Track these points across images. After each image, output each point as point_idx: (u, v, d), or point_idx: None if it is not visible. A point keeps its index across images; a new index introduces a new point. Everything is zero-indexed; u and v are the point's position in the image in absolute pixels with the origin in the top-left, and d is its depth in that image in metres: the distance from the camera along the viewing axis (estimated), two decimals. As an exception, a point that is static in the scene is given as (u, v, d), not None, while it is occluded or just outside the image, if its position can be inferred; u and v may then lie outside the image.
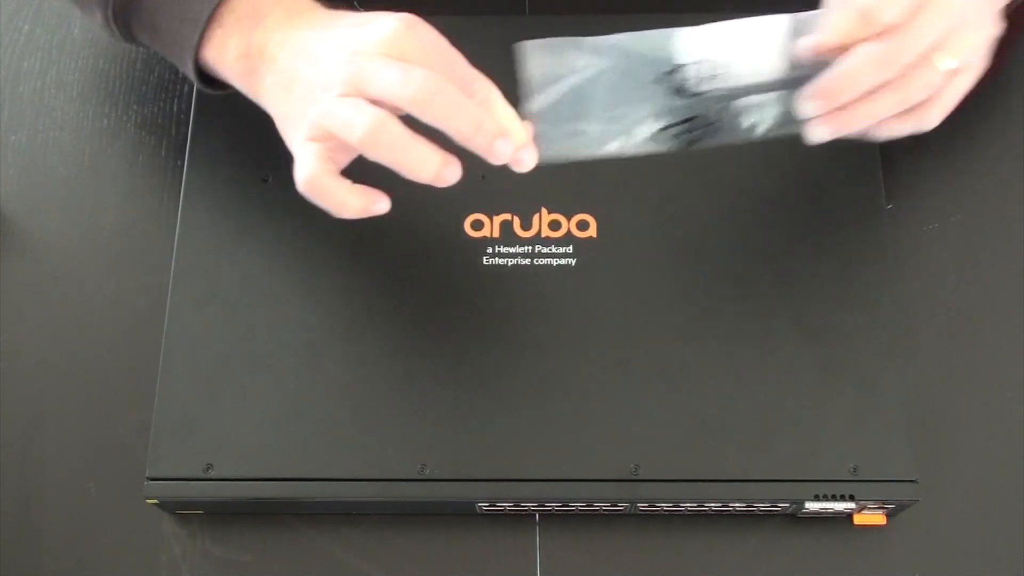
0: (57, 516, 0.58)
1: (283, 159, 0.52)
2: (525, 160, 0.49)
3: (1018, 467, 0.58)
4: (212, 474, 0.54)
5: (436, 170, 0.48)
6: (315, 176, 0.49)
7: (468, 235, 0.59)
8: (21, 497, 0.58)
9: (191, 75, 0.56)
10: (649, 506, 0.55)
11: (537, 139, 0.50)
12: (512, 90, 0.60)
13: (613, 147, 0.51)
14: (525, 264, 0.58)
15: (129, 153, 0.67)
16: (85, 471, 0.58)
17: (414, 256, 0.58)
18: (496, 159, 0.48)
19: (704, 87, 0.49)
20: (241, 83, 0.54)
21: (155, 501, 0.55)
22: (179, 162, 0.63)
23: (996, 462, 0.59)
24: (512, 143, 0.48)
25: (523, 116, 0.50)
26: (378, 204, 0.51)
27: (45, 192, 0.66)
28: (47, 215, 0.66)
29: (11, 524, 0.57)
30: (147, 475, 0.54)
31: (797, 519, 0.57)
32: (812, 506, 0.55)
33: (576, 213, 0.59)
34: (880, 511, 0.56)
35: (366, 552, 0.57)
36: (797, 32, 0.48)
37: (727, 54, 0.49)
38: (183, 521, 0.58)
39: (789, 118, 0.50)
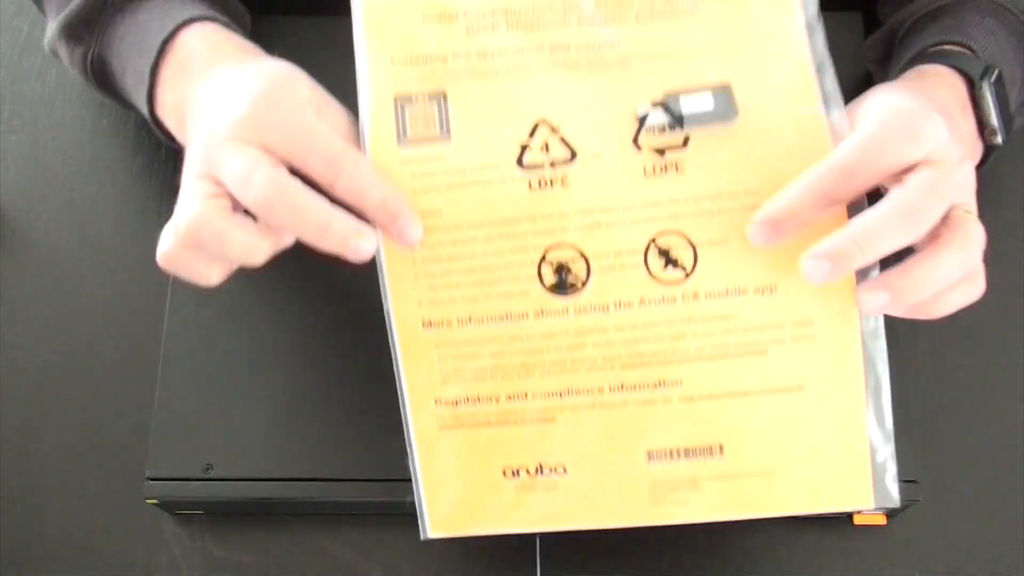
0: (57, 516, 0.58)
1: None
2: (407, 235, 0.44)
3: (1018, 467, 0.58)
4: (212, 474, 0.54)
5: (342, 242, 0.43)
6: (203, 215, 0.43)
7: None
8: (21, 497, 0.58)
9: (159, 134, 0.55)
10: (649, 506, 0.55)
11: None
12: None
13: None
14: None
15: (129, 153, 0.67)
16: (85, 471, 0.58)
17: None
18: (357, 258, 0.43)
19: None
20: (179, 137, 0.53)
21: (155, 501, 0.55)
22: (179, 162, 0.63)
23: (996, 462, 0.59)
24: (372, 237, 0.43)
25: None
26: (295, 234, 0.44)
27: (45, 192, 0.66)
28: (47, 215, 0.66)
29: (11, 524, 0.57)
30: (147, 475, 0.54)
31: (797, 519, 0.57)
32: (812, 506, 0.54)
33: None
34: (880, 511, 0.56)
35: (366, 552, 0.57)
36: None
37: None
38: (183, 521, 0.58)
39: None
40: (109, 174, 0.66)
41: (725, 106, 0.46)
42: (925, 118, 0.44)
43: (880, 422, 0.47)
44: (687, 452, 0.47)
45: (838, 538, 0.57)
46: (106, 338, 0.62)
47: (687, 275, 0.46)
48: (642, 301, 0.46)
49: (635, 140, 0.46)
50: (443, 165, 0.45)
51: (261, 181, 0.42)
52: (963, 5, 0.57)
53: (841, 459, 0.47)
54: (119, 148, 0.67)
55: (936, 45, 0.56)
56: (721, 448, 0.47)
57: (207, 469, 0.54)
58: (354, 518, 0.57)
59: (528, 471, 0.48)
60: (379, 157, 0.46)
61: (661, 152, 0.46)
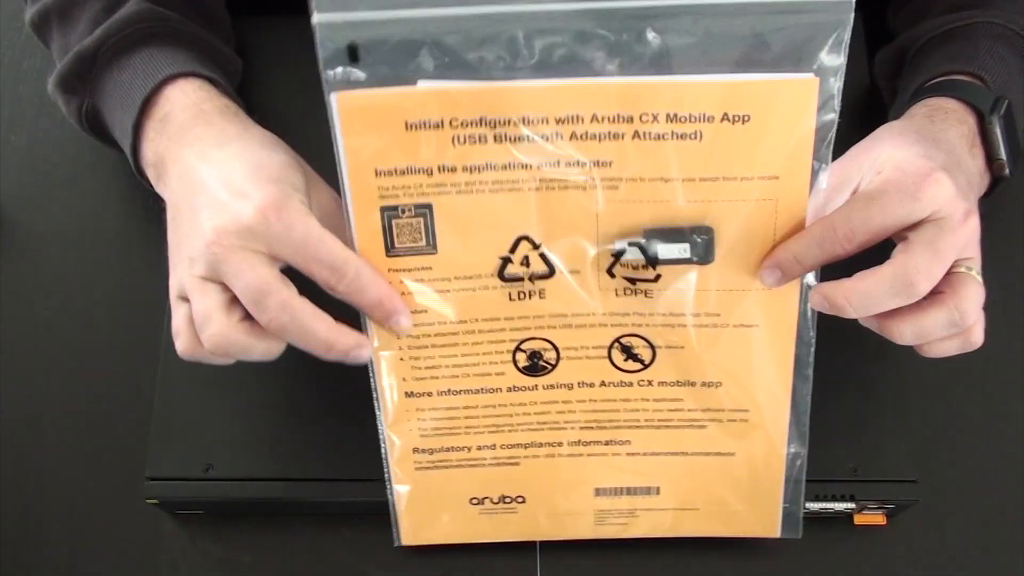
0: (57, 516, 0.58)
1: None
2: (400, 329, 0.47)
3: (1018, 467, 0.58)
4: (212, 474, 0.54)
5: (343, 356, 0.46)
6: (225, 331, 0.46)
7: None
8: (21, 497, 0.58)
9: (144, 184, 0.56)
10: (649, 506, 0.55)
11: None
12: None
13: None
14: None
15: (129, 153, 0.67)
16: (85, 471, 0.58)
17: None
18: (354, 363, 0.47)
19: None
20: (157, 190, 0.53)
21: (155, 501, 0.55)
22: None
23: (996, 462, 0.59)
24: (369, 347, 0.47)
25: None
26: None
27: (45, 192, 0.66)
28: (47, 215, 0.66)
29: (11, 524, 0.57)
30: (147, 475, 0.54)
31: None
32: (812, 506, 0.55)
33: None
34: (880, 511, 0.56)
35: (366, 552, 0.57)
36: None
37: None
38: (183, 521, 0.58)
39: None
40: (109, 174, 0.66)
41: (702, 253, 0.46)
42: (929, 179, 0.45)
43: (797, 483, 0.52)
44: (629, 490, 0.54)
45: (838, 538, 0.57)
46: (106, 338, 0.62)
47: (645, 367, 0.50)
48: (603, 383, 0.50)
49: (609, 270, 0.47)
50: (430, 274, 0.47)
51: (275, 307, 0.45)
52: (973, 29, 0.57)
53: (757, 504, 0.54)
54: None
55: (946, 74, 0.56)
56: (658, 489, 0.53)
57: (207, 469, 0.54)
58: (354, 518, 0.57)
59: (492, 500, 0.54)
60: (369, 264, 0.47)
61: (632, 282, 0.47)
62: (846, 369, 0.56)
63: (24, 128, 0.68)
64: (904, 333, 0.45)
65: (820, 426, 0.55)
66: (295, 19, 0.62)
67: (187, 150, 0.50)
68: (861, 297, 0.44)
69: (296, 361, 0.56)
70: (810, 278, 0.47)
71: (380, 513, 0.57)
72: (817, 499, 0.54)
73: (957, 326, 0.45)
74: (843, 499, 0.54)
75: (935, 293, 0.45)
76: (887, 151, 0.47)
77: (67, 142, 0.67)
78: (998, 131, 0.53)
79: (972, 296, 0.45)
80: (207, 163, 0.48)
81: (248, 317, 0.46)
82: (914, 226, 0.45)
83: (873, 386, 0.56)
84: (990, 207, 0.64)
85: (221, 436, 0.55)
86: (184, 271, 0.47)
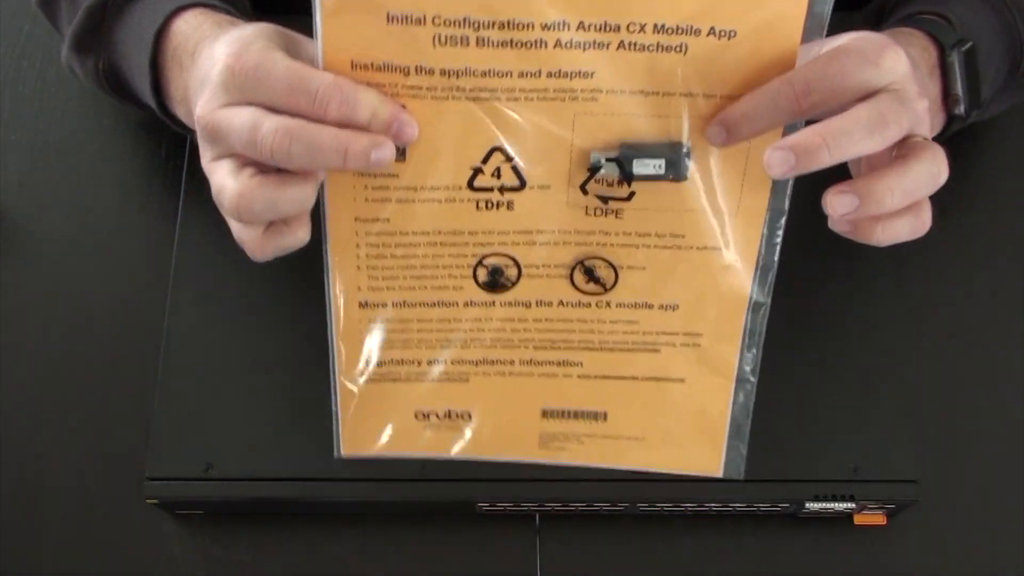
0: (57, 516, 0.58)
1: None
2: (407, 133, 0.43)
3: (1018, 467, 0.58)
4: (212, 474, 0.54)
5: (364, 160, 0.42)
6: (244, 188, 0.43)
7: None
8: (21, 497, 0.58)
9: (173, 127, 0.56)
10: (649, 506, 0.55)
11: None
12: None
13: None
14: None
15: (129, 153, 0.67)
16: (85, 471, 0.58)
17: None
18: (381, 167, 0.43)
19: None
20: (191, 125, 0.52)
21: (155, 501, 0.55)
22: (179, 162, 0.63)
23: (996, 462, 0.59)
24: (389, 146, 0.42)
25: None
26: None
27: (45, 192, 0.66)
28: (47, 215, 0.66)
29: (11, 524, 0.57)
30: (147, 475, 0.54)
31: (797, 519, 0.57)
32: (812, 506, 0.55)
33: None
34: (880, 511, 0.56)
35: (366, 552, 0.57)
36: None
37: None
38: (183, 521, 0.58)
39: None
40: (109, 174, 0.66)
41: (677, 169, 0.45)
42: (889, 48, 0.44)
43: (742, 418, 0.51)
44: (576, 414, 0.52)
45: (838, 538, 0.57)
46: (106, 338, 0.62)
47: (606, 290, 0.49)
48: (561, 302, 0.50)
49: (583, 186, 0.46)
50: (396, 182, 0.46)
51: (268, 132, 0.42)
52: None
53: (702, 438, 0.52)
54: (119, 147, 0.67)
55: (916, 14, 0.56)
56: (605, 415, 0.52)
57: (207, 469, 0.54)
58: (354, 518, 0.57)
59: (437, 415, 0.52)
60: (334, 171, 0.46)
61: (605, 200, 0.47)
62: (847, 368, 0.56)
63: (24, 128, 0.68)
64: (893, 190, 0.43)
65: (820, 426, 0.55)
66: (295, 19, 0.62)
67: (196, 75, 0.49)
68: (836, 134, 0.42)
69: (297, 360, 0.56)
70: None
71: (380, 513, 0.57)
72: (817, 499, 0.54)
73: (936, 179, 0.44)
74: (843, 499, 0.54)
75: (903, 156, 0.44)
76: (849, 33, 0.46)
77: (67, 142, 0.67)
78: (957, 66, 0.53)
79: (941, 153, 0.44)
80: (199, 65, 0.48)
81: (262, 171, 0.44)
82: (868, 96, 0.43)
83: (873, 386, 0.56)
84: (990, 208, 0.64)
85: (221, 436, 0.55)
86: (206, 173, 0.45)
